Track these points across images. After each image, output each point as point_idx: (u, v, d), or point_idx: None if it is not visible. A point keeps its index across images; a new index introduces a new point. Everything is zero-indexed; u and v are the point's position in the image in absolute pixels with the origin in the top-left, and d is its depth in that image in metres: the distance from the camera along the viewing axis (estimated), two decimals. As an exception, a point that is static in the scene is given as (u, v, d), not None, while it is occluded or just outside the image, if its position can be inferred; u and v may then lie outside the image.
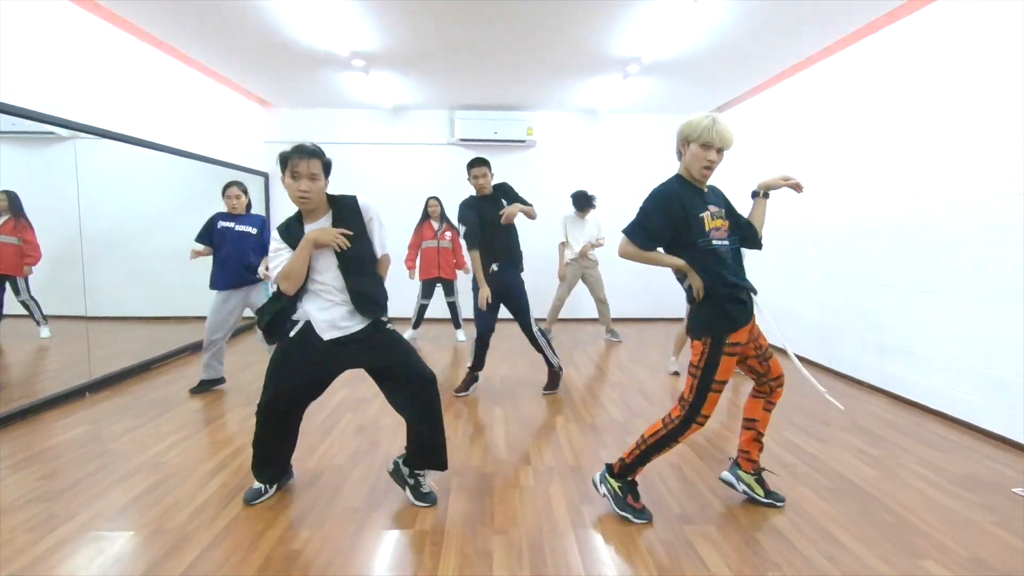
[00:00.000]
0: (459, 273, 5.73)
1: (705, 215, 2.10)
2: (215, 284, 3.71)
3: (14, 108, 3.24)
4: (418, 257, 5.61)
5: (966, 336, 3.28)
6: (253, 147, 6.56)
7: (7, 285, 3.69)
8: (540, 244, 6.29)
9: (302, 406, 2.29)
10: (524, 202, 3.69)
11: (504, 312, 3.77)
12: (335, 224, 2.13)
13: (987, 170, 3.17)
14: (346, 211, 2.17)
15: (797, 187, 2.22)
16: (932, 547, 2.02)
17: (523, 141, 6.77)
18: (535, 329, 3.74)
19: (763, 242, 2.32)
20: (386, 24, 4.14)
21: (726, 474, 2.43)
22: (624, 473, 2.23)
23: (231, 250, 3.68)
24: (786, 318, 5.25)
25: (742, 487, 2.36)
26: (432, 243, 5.56)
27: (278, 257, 2.11)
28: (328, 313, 2.13)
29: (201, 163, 5.36)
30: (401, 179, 6.98)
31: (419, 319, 5.82)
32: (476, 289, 3.63)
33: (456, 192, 6.39)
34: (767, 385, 2.29)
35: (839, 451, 2.92)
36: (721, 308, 2.09)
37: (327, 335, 2.13)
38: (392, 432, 3.10)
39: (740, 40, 4.35)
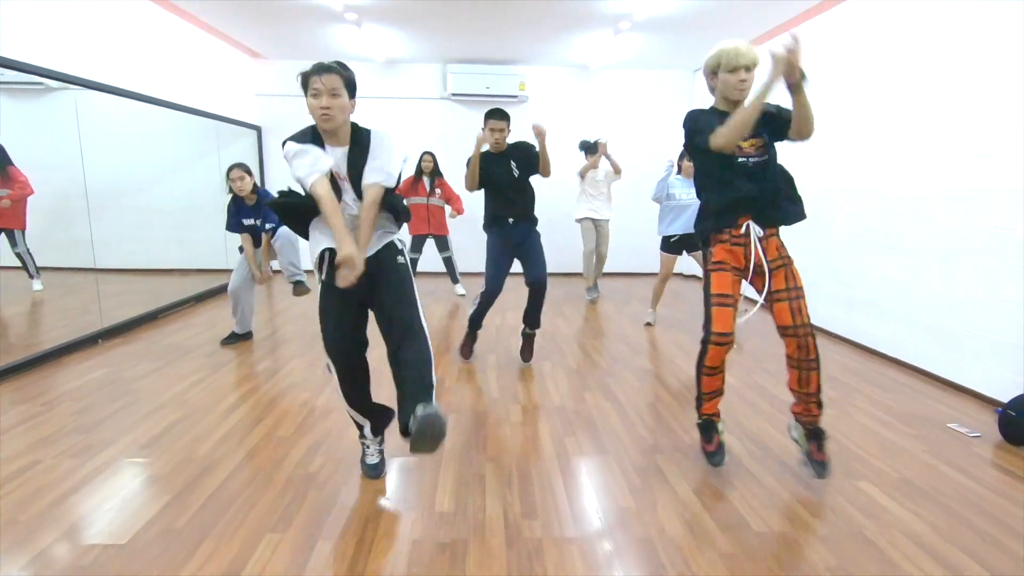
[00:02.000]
0: (451, 227, 5.84)
1: None
2: (241, 250, 3.95)
3: (6, 60, 3.28)
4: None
5: (923, 290, 3.54)
6: (245, 100, 6.58)
7: (2, 237, 3.82)
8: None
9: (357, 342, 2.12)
10: (544, 161, 3.47)
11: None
12: (352, 155, 1.98)
13: (944, 138, 3.36)
14: (361, 141, 2.01)
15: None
16: (869, 471, 2.33)
17: (515, 96, 6.80)
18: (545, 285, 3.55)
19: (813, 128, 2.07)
20: (380, -22, 4.16)
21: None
22: (698, 410, 2.33)
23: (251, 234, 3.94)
24: (765, 273, 5.50)
25: (794, 434, 2.34)
26: (422, 200, 5.64)
27: (305, 156, 1.90)
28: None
29: (194, 116, 5.41)
30: (395, 132, 7.01)
31: (454, 272, 6.03)
32: (488, 253, 3.55)
33: (448, 147, 6.53)
34: (779, 331, 2.19)
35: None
36: (704, 223, 2.25)
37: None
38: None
39: (730, -2, 4.42)
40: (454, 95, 6.79)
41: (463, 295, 5.89)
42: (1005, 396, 2.89)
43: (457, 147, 6.78)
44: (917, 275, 3.60)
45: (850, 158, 4.26)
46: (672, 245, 4.51)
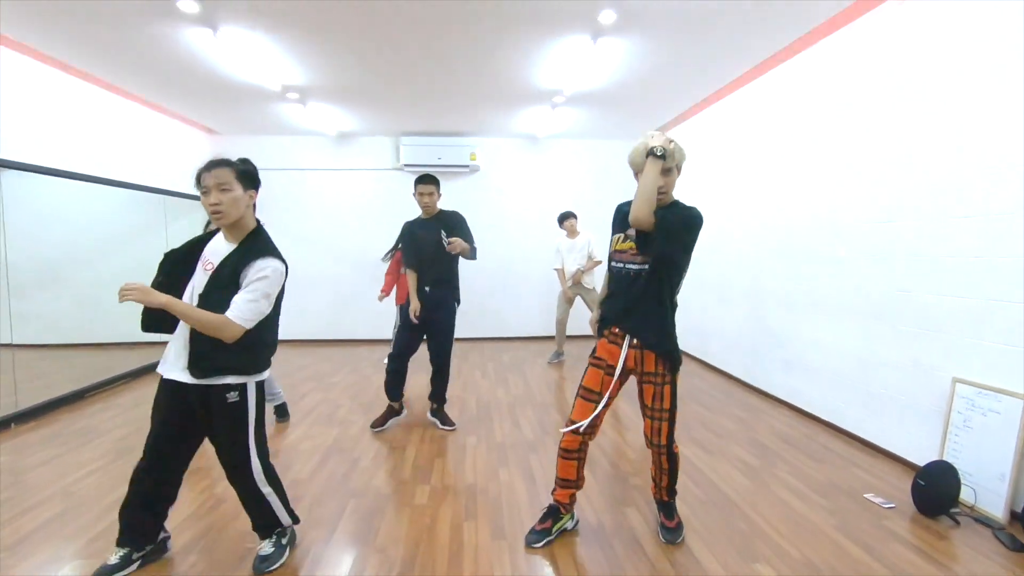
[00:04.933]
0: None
1: (616, 236, 2.25)
2: None
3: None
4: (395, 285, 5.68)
5: (849, 351, 3.55)
6: (200, 174, 6.67)
7: None
8: (522, 267, 6.53)
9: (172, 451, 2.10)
10: (468, 238, 3.56)
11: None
12: (234, 255, 1.95)
13: (859, 199, 3.47)
14: (247, 251, 1.95)
15: None
16: (771, 551, 2.23)
17: (467, 166, 6.99)
18: (447, 360, 3.71)
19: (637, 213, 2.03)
20: (309, 61, 4.32)
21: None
22: (552, 491, 2.37)
23: None
24: (714, 334, 5.51)
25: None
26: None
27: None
28: (172, 344, 2.00)
29: (140, 192, 5.46)
30: (348, 203, 7.14)
31: None
32: (402, 309, 3.73)
33: (401, 214, 6.60)
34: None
35: (722, 463, 3.14)
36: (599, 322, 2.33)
37: (161, 368, 2.00)
38: (306, 454, 3.24)
39: (651, 73, 4.63)
40: (407, 166, 6.95)
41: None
42: (924, 461, 2.84)
43: (411, 214, 6.89)
44: (842, 336, 3.61)
45: (772, 217, 4.38)
46: None
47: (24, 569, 2.11)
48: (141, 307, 1.90)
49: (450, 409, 4.06)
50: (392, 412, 3.78)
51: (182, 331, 1.97)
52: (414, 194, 3.63)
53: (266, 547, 2.13)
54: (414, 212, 3.75)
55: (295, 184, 7.04)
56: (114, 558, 2.05)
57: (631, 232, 2.16)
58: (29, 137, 4.13)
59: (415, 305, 3.57)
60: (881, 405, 3.27)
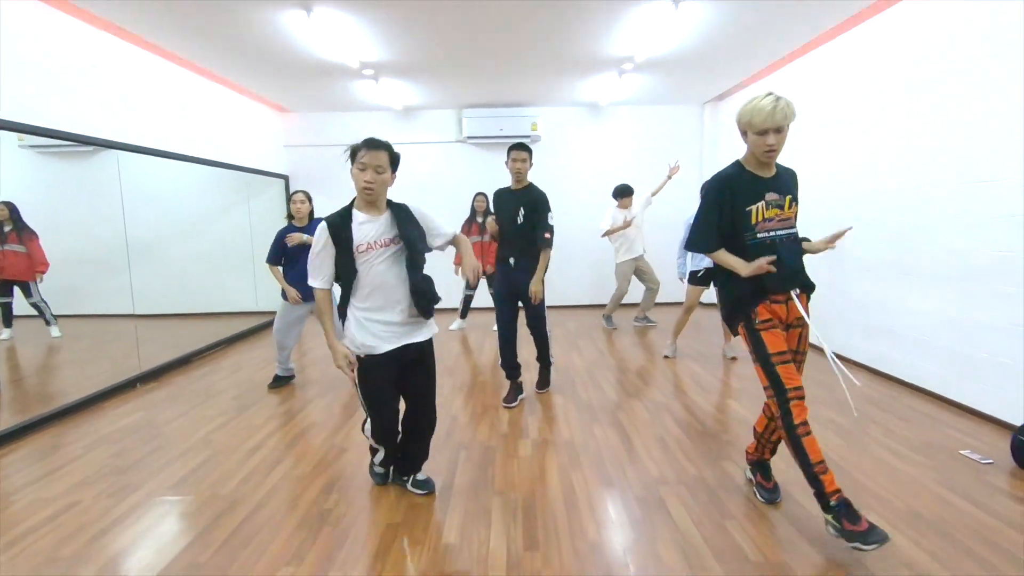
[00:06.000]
0: None
1: (756, 207, 2.08)
2: (284, 296, 3.89)
3: (58, 132, 3.66)
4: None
5: (939, 316, 3.52)
6: (273, 151, 6.97)
7: (16, 290, 3.93)
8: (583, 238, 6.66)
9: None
10: (544, 222, 3.54)
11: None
12: (401, 224, 2.25)
13: (949, 164, 3.40)
14: (403, 216, 2.28)
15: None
16: (876, 502, 2.33)
17: (528, 136, 7.04)
18: (546, 329, 3.76)
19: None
20: (389, 38, 4.46)
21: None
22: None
23: (301, 263, 3.58)
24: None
25: (748, 475, 2.50)
26: (476, 238, 5.75)
27: (319, 259, 2.19)
28: (377, 321, 2.22)
29: (226, 170, 5.78)
30: (413, 176, 7.32)
31: (466, 309, 6.19)
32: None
33: (464, 186, 6.77)
34: None
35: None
36: (738, 293, 2.17)
37: (375, 342, 2.19)
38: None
39: (724, 37, 4.57)
40: (469, 138, 7.08)
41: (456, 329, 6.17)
42: (1020, 421, 2.85)
43: (473, 186, 7.04)
44: (932, 301, 3.58)
45: (857, 186, 4.31)
46: (700, 278, 4.58)
47: (188, 506, 2.40)
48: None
49: (528, 372, 4.25)
50: (518, 389, 3.74)
51: (393, 302, 2.20)
52: (506, 162, 3.63)
53: (422, 475, 2.50)
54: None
55: (362, 159, 7.25)
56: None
57: (772, 197, 2.09)
58: (127, 119, 4.43)
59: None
60: (974, 367, 3.26)
